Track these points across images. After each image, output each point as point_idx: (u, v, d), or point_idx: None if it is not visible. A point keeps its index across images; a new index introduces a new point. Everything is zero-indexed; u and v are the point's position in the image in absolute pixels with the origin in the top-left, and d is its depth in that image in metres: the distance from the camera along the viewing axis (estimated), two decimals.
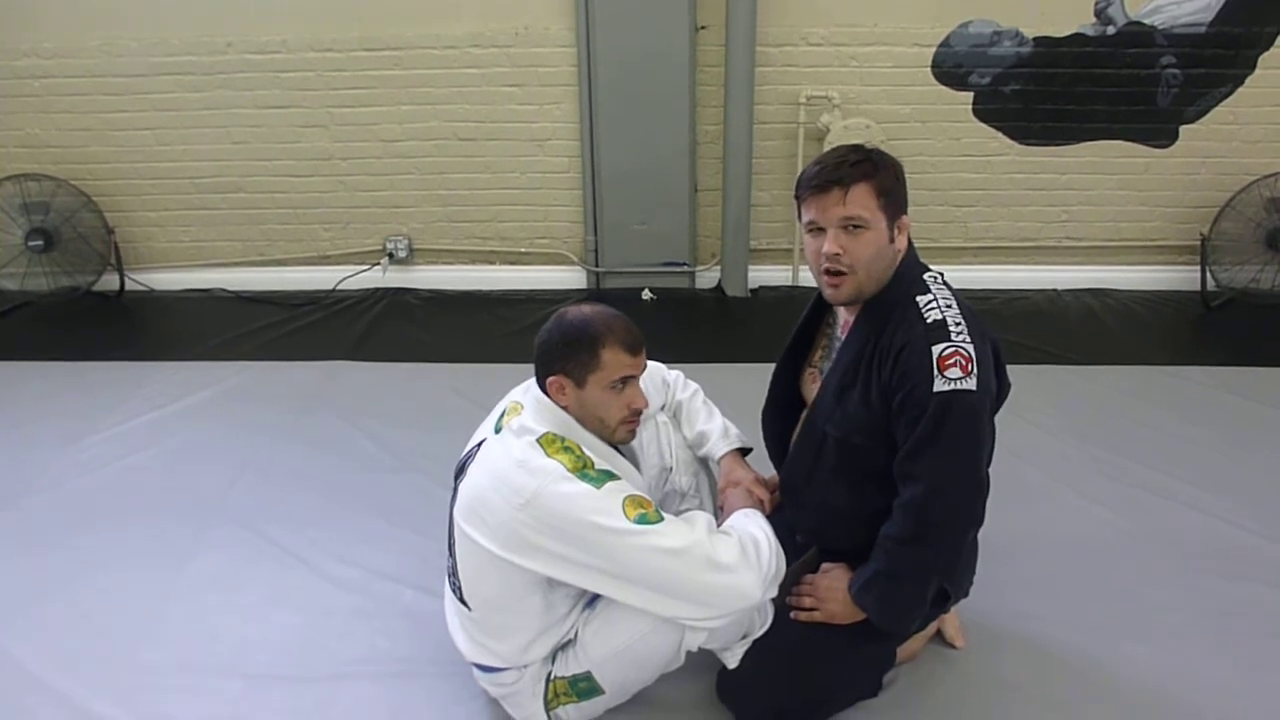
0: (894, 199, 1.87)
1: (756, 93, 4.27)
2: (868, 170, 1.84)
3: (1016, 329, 4.16)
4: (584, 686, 1.96)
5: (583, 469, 1.80)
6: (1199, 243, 4.39)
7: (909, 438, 1.81)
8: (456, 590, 1.96)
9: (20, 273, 4.59)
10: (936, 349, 1.78)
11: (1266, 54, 4.17)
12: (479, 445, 1.96)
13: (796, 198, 1.93)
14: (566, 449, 1.83)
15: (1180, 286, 4.53)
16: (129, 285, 4.75)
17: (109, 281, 4.71)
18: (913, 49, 4.23)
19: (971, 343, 1.79)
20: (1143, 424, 3.31)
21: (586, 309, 1.93)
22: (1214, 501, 2.86)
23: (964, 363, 1.77)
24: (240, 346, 4.13)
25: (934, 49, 4.23)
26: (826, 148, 4.22)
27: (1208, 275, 4.38)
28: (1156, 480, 2.97)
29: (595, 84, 4.23)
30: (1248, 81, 4.22)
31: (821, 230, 1.88)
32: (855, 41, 4.23)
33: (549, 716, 2.01)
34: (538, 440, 1.84)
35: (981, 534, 2.22)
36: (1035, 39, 4.18)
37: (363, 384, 3.73)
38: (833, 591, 2.01)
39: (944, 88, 4.29)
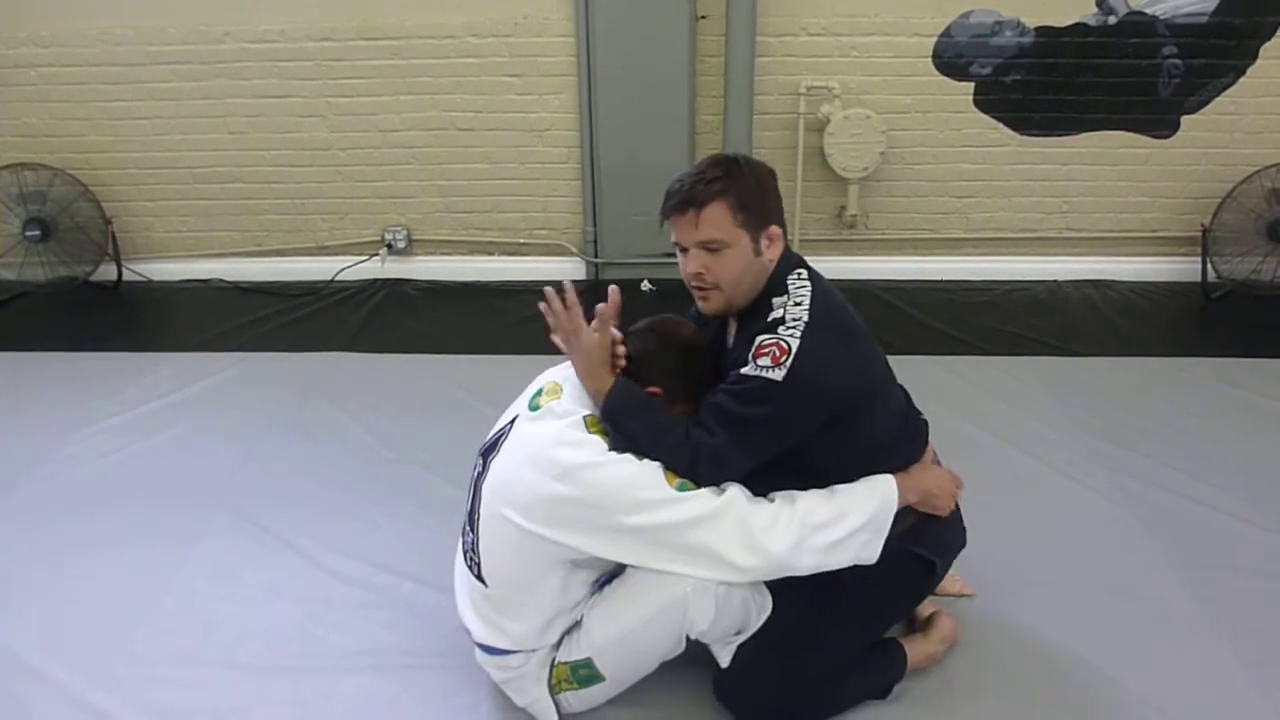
0: (755, 212, 1.87)
1: (756, 83, 4.25)
2: (721, 188, 1.84)
3: (1017, 320, 4.16)
4: (584, 673, 1.96)
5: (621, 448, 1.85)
6: (1200, 234, 4.38)
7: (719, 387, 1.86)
8: (474, 567, 1.96)
9: (17, 263, 4.57)
10: (759, 338, 1.83)
11: (1268, 44, 4.16)
12: (510, 423, 1.97)
13: (661, 215, 1.94)
14: (607, 433, 1.88)
15: (1181, 278, 4.52)
16: (126, 275, 4.74)
17: (106, 272, 4.70)
18: (913, 39, 4.21)
19: (800, 337, 1.80)
20: (1143, 415, 3.31)
21: (692, 329, 2.03)
22: (1214, 492, 2.86)
23: (778, 354, 1.79)
24: (238, 337, 4.12)
25: (935, 39, 4.21)
26: (827, 138, 4.24)
27: (1209, 266, 4.38)
28: (1157, 471, 2.97)
29: (594, 74, 4.22)
30: (1249, 72, 4.20)
31: (686, 250, 1.90)
32: (855, 31, 4.22)
33: (555, 703, 2.01)
34: (583, 418, 1.88)
35: (983, 524, 2.23)
36: (1036, 29, 4.16)
37: (361, 375, 3.72)
38: (584, 349, 1.95)
39: (945, 78, 4.28)
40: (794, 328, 1.82)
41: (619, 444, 1.86)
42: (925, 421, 2.14)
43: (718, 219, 1.85)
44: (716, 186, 1.84)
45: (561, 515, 1.81)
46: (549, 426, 1.88)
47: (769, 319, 1.85)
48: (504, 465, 1.91)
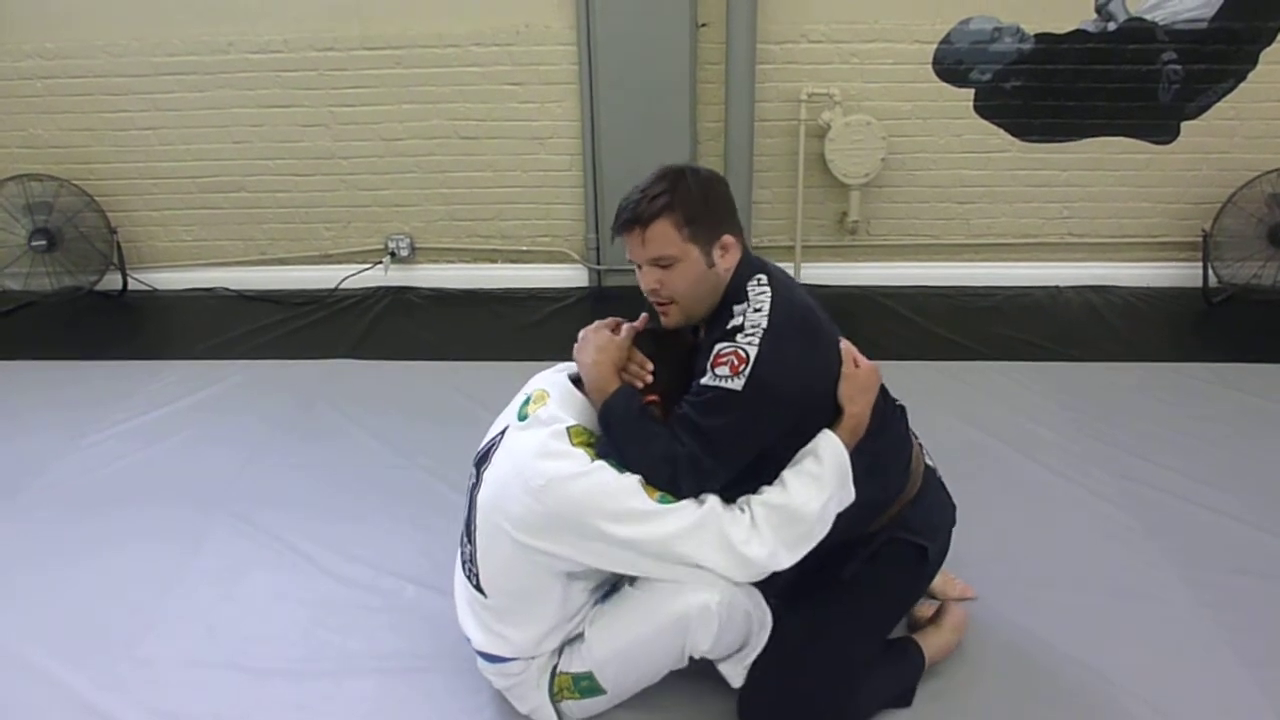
0: (703, 225, 1.88)
1: (757, 90, 4.27)
2: (665, 205, 1.85)
3: (1018, 325, 4.16)
4: (586, 685, 1.97)
5: (607, 457, 1.85)
6: (1201, 239, 4.38)
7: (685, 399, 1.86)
8: (473, 577, 1.96)
9: (23, 273, 4.60)
10: (716, 347, 1.84)
11: (1268, 49, 4.16)
12: (501, 433, 1.98)
13: (612, 232, 1.97)
14: (591, 445, 1.87)
15: (1182, 283, 4.51)
16: (131, 285, 4.75)
17: (112, 281, 4.72)
18: (914, 46, 4.23)
19: (758, 345, 1.80)
20: (1145, 419, 3.31)
21: (692, 339, 2.04)
22: (1216, 496, 2.86)
23: (736, 363, 1.80)
24: (242, 345, 4.14)
25: (935, 46, 4.22)
26: (828, 145, 4.25)
27: (1209, 271, 4.38)
28: (1158, 475, 2.97)
29: (596, 82, 4.24)
30: (1249, 77, 4.21)
31: (640, 265, 1.92)
32: (856, 38, 4.23)
33: (556, 710, 2.02)
34: (566, 429, 1.87)
35: (985, 526, 2.23)
36: (1036, 35, 4.18)
37: (365, 382, 3.74)
38: (598, 347, 1.95)
39: (945, 84, 4.29)
40: (752, 335, 1.82)
41: (605, 451, 1.86)
42: (902, 407, 2.15)
43: (664, 235, 1.86)
44: (661, 202, 1.85)
45: (548, 527, 1.82)
46: (534, 436, 1.88)
47: (728, 326, 1.86)
48: (495, 476, 1.91)
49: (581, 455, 1.83)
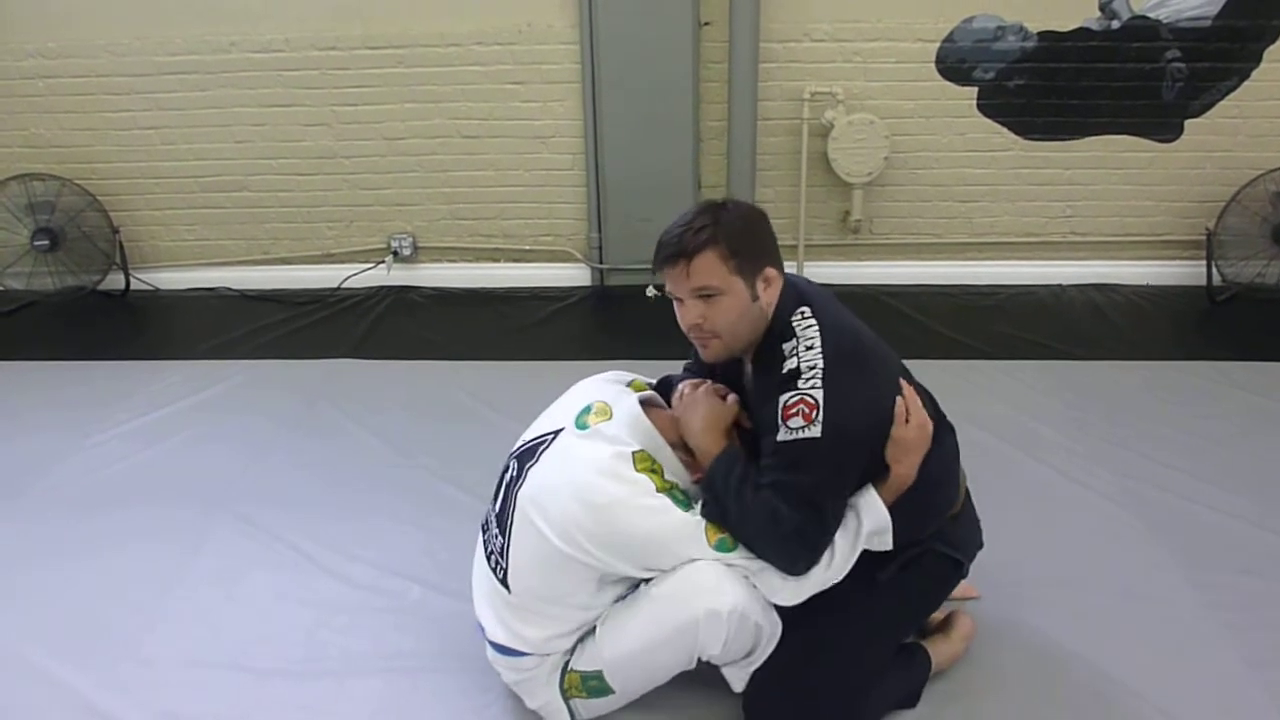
0: (748, 257, 1.86)
1: (760, 89, 4.27)
2: (710, 237, 1.83)
3: (1021, 324, 4.15)
4: (594, 685, 1.97)
5: (670, 489, 1.86)
6: (1204, 237, 4.38)
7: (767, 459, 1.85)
8: (499, 570, 1.96)
9: (26, 272, 4.60)
10: (782, 399, 1.81)
11: (1272, 47, 4.16)
12: (555, 434, 1.96)
13: (654, 268, 1.94)
14: (654, 471, 1.88)
15: (1186, 281, 4.50)
16: (134, 284, 4.76)
17: (114, 281, 4.72)
18: (916, 44, 4.22)
19: (822, 387, 1.78)
20: (1148, 418, 3.30)
21: None
22: (1220, 496, 2.85)
23: (807, 411, 1.78)
24: (244, 345, 4.14)
25: (938, 44, 4.22)
26: (831, 144, 4.25)
27: (1213, 270, 4.37)
28: (1162, 475, 2.96)
29: (599, 81, 4.23)
30: (1253, 75, 4.20)
31: (682, 300, 1.90)
32: (859, 37, 4.23)
33: (568, 706, 2.02)
34: (632, 454, 1.87)
35: (988, 527, 2.23)
36: (1039, 34, 4.17)
37: (367, 381, 3.73)
38: (709, 412, 1.95)
39: (948, 83, 4.28)
40: (813, 378, 1.80)
41: (711, 514, 1.87)
42: (950, 426, 2.11)
43: (709, 267, 1.83)
44: (705, 235, 1.83)
45: (593, 542, 1.83)
46: (597, 450, 1.87)
47: (784, 370, 1.83)
48: (543, 477, 1.91)
49: (645, 482, 1.84)
